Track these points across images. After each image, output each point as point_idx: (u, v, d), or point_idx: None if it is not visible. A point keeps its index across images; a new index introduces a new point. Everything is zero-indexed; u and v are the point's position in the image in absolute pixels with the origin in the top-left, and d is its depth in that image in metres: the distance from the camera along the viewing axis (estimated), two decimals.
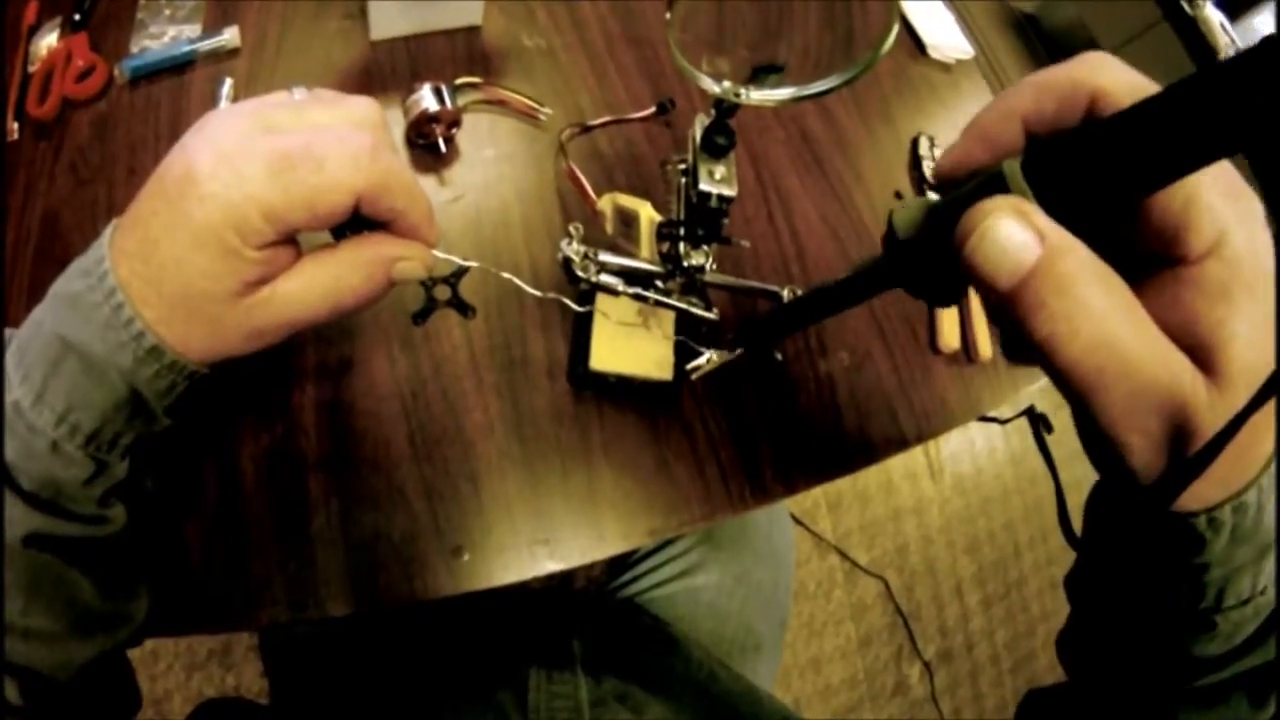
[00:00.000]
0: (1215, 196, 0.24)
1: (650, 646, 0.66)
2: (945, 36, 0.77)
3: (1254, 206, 0.25)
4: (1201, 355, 0.23)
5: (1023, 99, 0.26)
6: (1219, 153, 0.19)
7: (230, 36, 0.55)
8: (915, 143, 0.68)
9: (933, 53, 0.76)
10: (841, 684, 1.52)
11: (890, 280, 0.29)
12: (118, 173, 0.51)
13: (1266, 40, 0.17)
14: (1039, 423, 0.35)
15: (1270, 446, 0.25)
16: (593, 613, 0.72)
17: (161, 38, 0.56)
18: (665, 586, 0.74)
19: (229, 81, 0.54)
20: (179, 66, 0.55)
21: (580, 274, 0.40)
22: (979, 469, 1.76)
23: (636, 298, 0.41)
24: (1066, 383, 0.23)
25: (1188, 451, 0.23)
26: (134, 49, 0.55)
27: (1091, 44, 2.26)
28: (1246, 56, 0.18)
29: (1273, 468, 0.25)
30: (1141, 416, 0.23)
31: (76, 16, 0.56)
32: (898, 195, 0.65)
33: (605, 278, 0.40)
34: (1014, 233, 0.22)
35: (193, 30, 0.56)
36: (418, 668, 0.59)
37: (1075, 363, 0.22)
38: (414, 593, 0.42)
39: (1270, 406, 0.24)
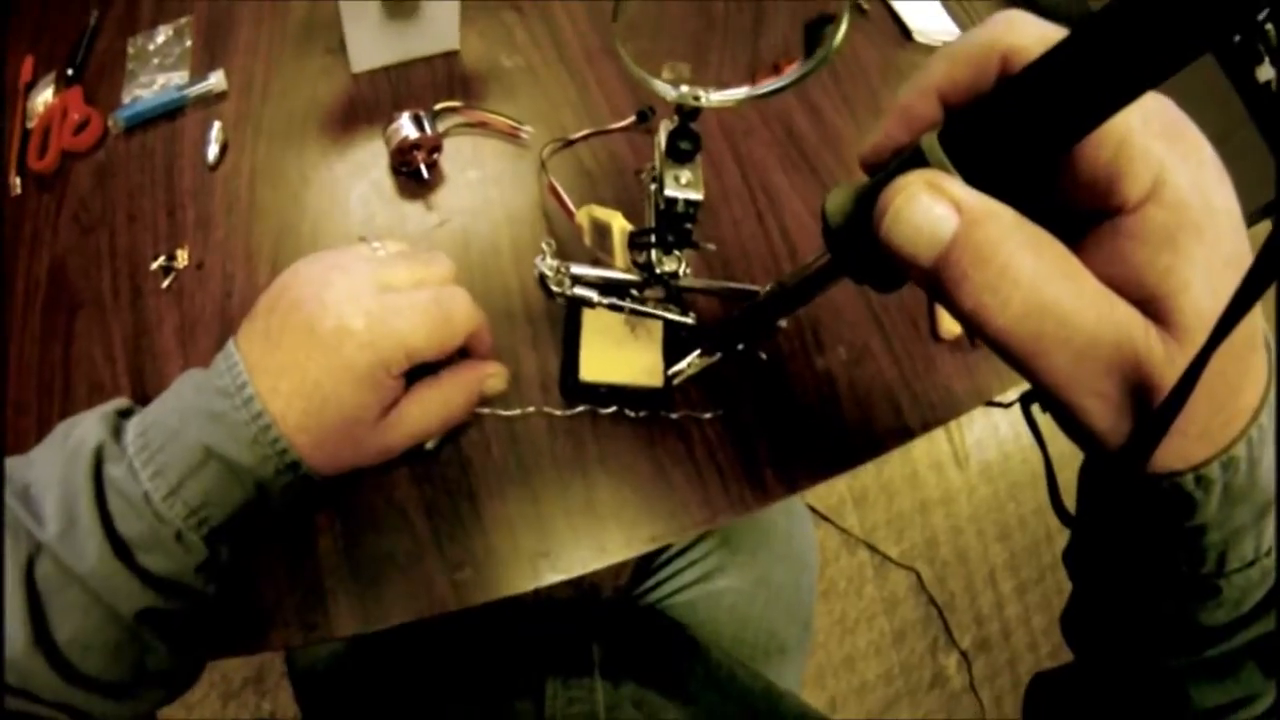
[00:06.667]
0: (1149, 139, 0.22)
1: (669, 650, 0.66)
2: (931, 22, 0.77)
3: (1197, 144, 0.23)
4: (1153, 307, 0.22)
5: (935, 72, 0.25)
6: (1129, 91, 0.19)
7: (216, 81, 0.57)
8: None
9: (919, 38, 0.75)
10: (877, 680, 1.50)
11: (835, 271, 0.29)
12: (118, 220, 0.53)
13: None
14: (1029, 401, 0.34)
15: (1254, 397, 0.23)
16: (614, 619, 0.72)
17: (152, 86, 0.57)
18: (685, 592, 0.74)
19: (217, 125, 0.55)
20: (170, 113, 0.56)
21: (555, 288, 0.40)
22: (1005, 455, 1.74)
23: (612, 308, 0.42)
24: (1005, 353, 0.22)
25: (1152, 409, 0.22)
26: (126, 99, 0.57)
27: None
28: None
29: (1262, 418, 0.24)
30: (1092, 378, 0.22)
31: (70, 71, 0.58)
32: None
33: (580, 290, 0.41)
34: (927, 207, 0.21)
35: (181, 77, 0.58)
36: (438, 681, 0.60)
37: (1008, 332, 0.21)
38: (420, 610, 0.43)
39: (1249, 355, 0.23)
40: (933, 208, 0.21)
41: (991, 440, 1.74)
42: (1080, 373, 0.22)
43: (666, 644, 0.67)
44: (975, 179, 0.22)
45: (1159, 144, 0.22)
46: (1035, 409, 0.32)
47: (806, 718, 0.58)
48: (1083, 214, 0.24)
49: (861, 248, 0.26)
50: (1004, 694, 1.60)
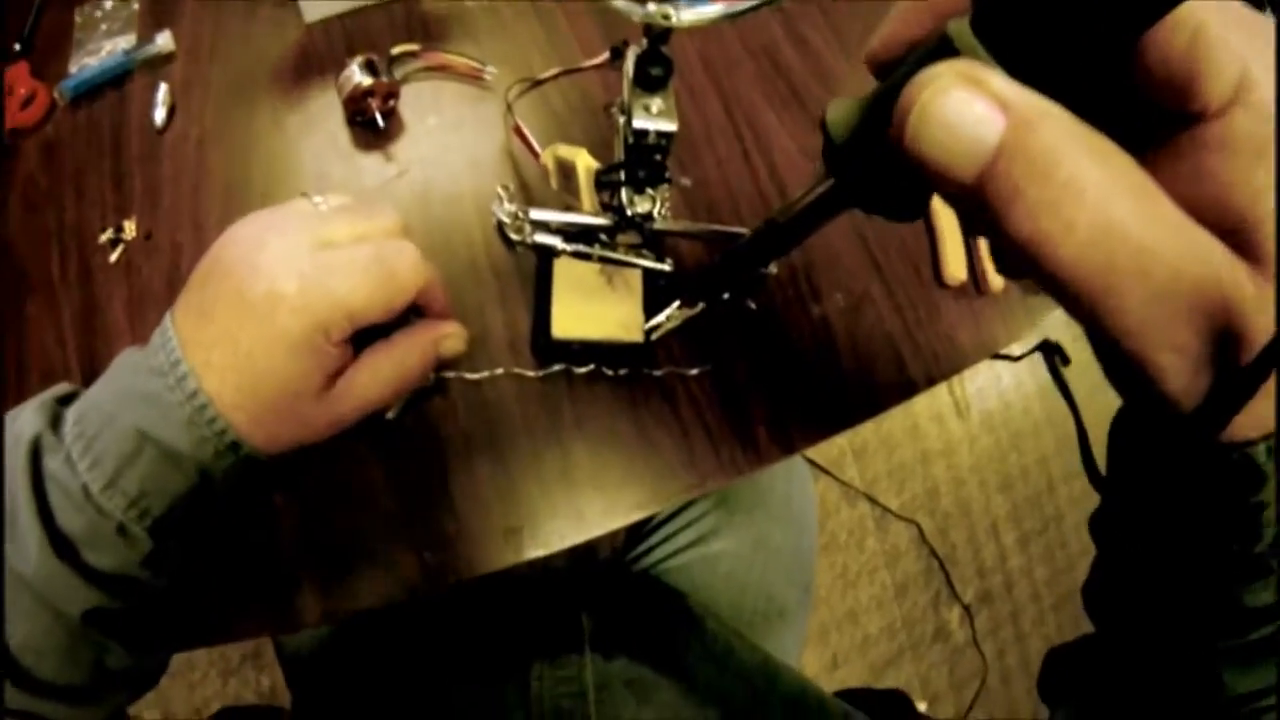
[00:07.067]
0: (1226, 28, 0.18)
1: (664, 621, 0.64)
2: None
3: (1272, 37, 0.19)
4: (1241, 237, 0.18)
5: None
6: None
7: (164, 42, 0.54)
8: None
9: None
10: (880, 634, 1.50)
11: (840, 199, 0.25)
12: (66, 195, 0.51)
13: None
14: (1054, 355, 0.31)
15: None
16: (606, 587, 0.70)
17: (99, 53, 0.55)
18: (681, 555, 0.72)
19: (164, 87, 0.53)
20: (118, 80, 0.54)
21: (514, 236, 0.37)
22: (1007, 404, 1.71)
23: (578, 256, 0.38)
24: (1066, 292, 0.18)
25: (1236, 364, 0.18)
26: (73, 69, 0.54)
27: None
28: None
29: None
30: (1170, 326, 0.18)
31: (17, 46, 0.55)
32: None
33: (543, 238, 0.37)
34: (963, 103, 0.17)
35: (128, 41, 0.55)
36: (426, 662, 0.58)
37: (1074, 264, 0.17)
38: (389, 594, 0.40)
39: None
40: (971, 104, 0.17)
41: (993, 389, 1.71)
42: (1155, 318, 0.17)
43: (661, 615, 0.65)
44: (1017, 76, 0.17)
45: (1238, 35, 0.18)
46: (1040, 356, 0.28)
47: (806, 694, 0.56)
48: (1149, 123, 0.20)
49: (873, 167, 0.22)
50: (1006, 647, 1.60)
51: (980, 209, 0.17)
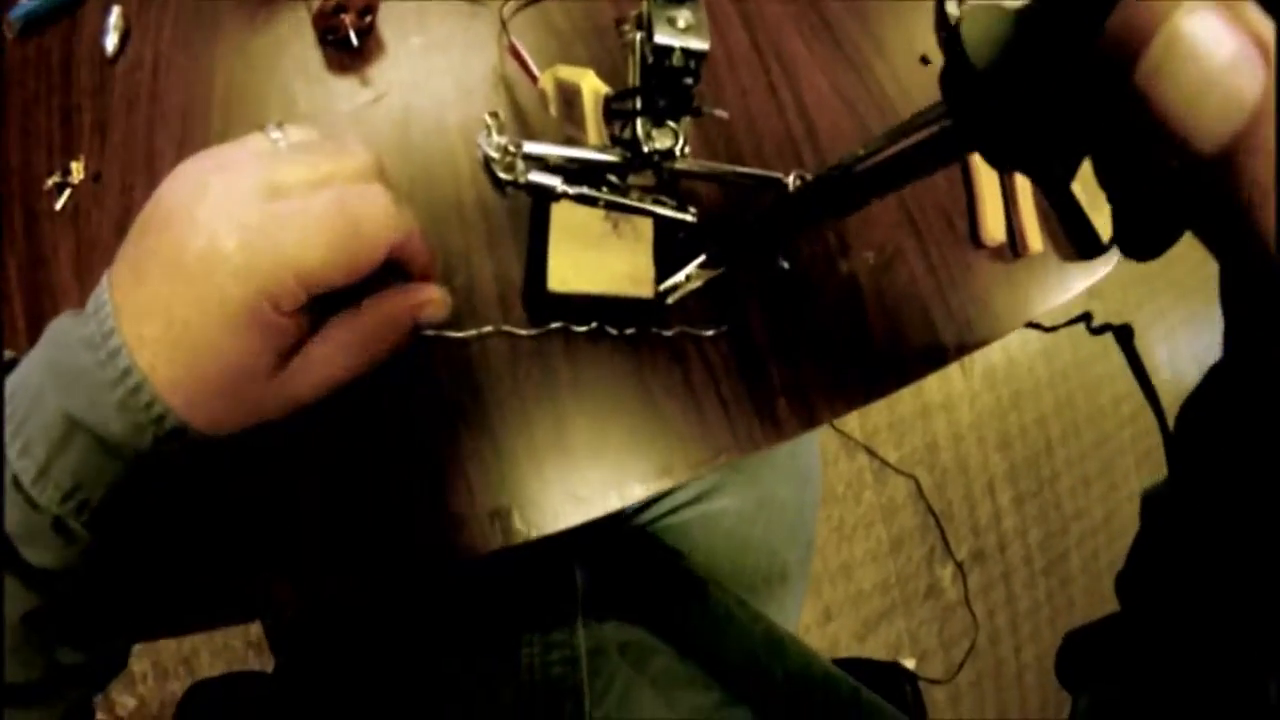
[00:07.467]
0: None
1: (662, 583, 0.61)
2: None
3: None
4: None
5: None
6: None
7: None
8: (941, 1, 0.57)
9: None
10: (873, 589, 1.51)
11: (961, 142, 0.20)
12: (11, 136, 0.46)
13: None
14: (1128, 339, 0.27)
15: None
16: (601, 543, 0.67)
17: None
18: (680, 512, 0.69)
19: (116, 10, 0.47)
20: (70, 6, 0.49)
21: (504, 175, 0.31)
22: (1010, 361, 1.70)
23: (580, 199, 0.32)
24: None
25: None
26: None
27: None
28: None
29: None
30: None
31: None
32: (924, 61, 0.55)
33: (538, 176, 0.31)
34: (1221, 38, 0.12)
35: None
36: (410, 629, 0.56)
37: None
38: (362, 579, 0.37)
39: None
40: (1227, 40, 0.12)
41: (997, 346, 1.69)
42: None
43: (658, 575, 0.62)
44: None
45: None
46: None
47: (811, 667, 0.54)
48: None
49: (1029, 105, 0.16)
50: (997, 608, 1.62)
51: (1214, 187, 0.12)
